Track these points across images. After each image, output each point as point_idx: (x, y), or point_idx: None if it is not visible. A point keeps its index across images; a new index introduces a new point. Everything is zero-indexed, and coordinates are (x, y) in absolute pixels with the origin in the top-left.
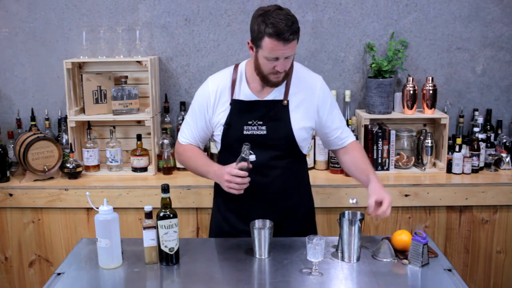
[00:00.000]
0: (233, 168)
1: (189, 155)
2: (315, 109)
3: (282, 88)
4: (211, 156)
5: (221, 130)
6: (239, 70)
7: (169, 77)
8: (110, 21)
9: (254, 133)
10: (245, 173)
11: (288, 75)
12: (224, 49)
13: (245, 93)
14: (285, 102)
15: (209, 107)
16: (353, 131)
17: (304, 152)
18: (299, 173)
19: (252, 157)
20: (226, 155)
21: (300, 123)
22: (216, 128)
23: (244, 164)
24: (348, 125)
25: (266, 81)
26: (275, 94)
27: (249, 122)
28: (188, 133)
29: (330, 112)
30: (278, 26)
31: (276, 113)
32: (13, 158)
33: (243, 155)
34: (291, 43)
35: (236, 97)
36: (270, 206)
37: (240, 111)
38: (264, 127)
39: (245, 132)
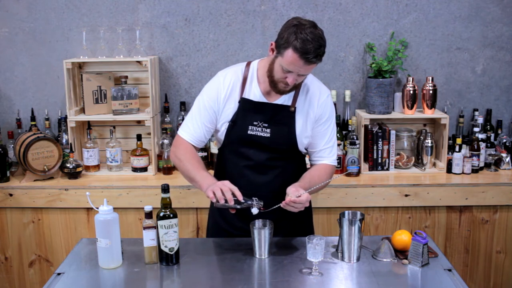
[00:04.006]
0: (238, 190)
1: (188, 156)
2: (314, 118)
3: (291, 93)
4: (210, 155)
5: (226, 126)
6: (251, 69)
7: (169, 77)
8: (110, 21)
9: (258, 134)
10: (230, 198)
11: (296, 87)
12: (224, 49)
13: (254, 93)
14: (293, 108)
15: (220, 101)
16: (353, 131)
17: (303, 152)
18: (297, 172)
19: (255, 210)
20: (226, 153)
21: (303, 131)
22: (221, 124)
23: (235, 204)
24: (348, 125)
25: (274, 86)
26: (284, 99)
27: (255, 123)
28: (193, 127)
29: (322, 126)
30: (306, 44)
31: (282, 118)
32: (13, 158)
33: (254, 202)
34: (312, 65)
35: (245, 95)
36: (268, 204)
37: (248, 110)
38: (268, 130)
39: (249, 132)
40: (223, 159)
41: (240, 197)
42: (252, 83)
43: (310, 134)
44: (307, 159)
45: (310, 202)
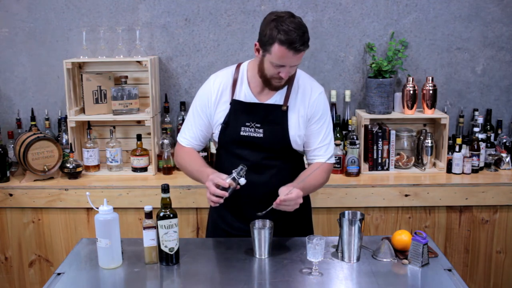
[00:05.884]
0: (221, 179)
1: (187, 159)
2: (306, 117)
3: (282, 93)
4: (210, 155)
5: (219, 129)
6: (240, 70)
7: (169, 77)
8: (110, 21)
9: (251, 135)
10: (222, 193)
11: (289, 80)
12: (224, 49)
13: (245, 94)
14: (285, 107)
15: (210, 105)
16: (353, 131)
17: (299, 151)
18: (294, 172)
19: (242, 181)
20: (223, 154)
21: (296, 130)
22: (215, 127)
23: (231, 182)
24: (348, 125)
25: (268, 84)
26: (276, 98)
27: (247, 124)
28: (189, 133)
29: (316, 124)
30: (290, 34)
31: (275, 118)
32: (13, 158)
33: (234, 175)
34: (301, 54)
35: (236, 97)
36: (265, 204)
37: (239, 111)
38: (261, 130)
39: (242, 133)
40: (221, 160)
41: (225, 184)
42: (243, 85)
43: (304, 132)
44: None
45: (309, 201)
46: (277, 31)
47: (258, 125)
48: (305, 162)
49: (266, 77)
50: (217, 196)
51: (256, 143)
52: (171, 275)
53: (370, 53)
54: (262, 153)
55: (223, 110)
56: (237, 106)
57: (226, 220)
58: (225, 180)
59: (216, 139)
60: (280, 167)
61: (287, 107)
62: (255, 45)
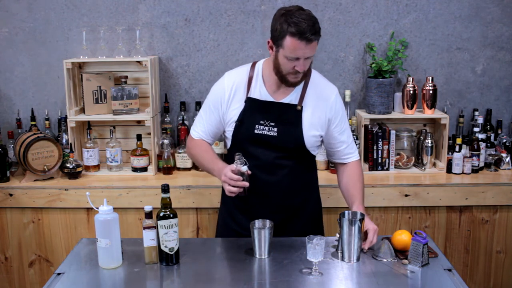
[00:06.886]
0: (230, 169)
1: (198, 150)
2: (326, 119)
3: (298, 92)
4: None
5: (232, 126)
6: (256, 68)
7: (169, 77)
8: (110, 21)
9: (265, 133)
10: (238, 178)
11: (306, 76)
12: (224, 49)
13: (261, 92)
14: (299, 107)
15: (223, 103)
16: (353, 131)
17: (314, 153)
18: (306, 173)
19: (244, 168)
20: (235, 153)
21: (311, 130)
22: (228, 124)
23: (244, 169)
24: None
25: (285, 81)
26: (291, 98)
27: (261, 122)
28: (200, 128)
29: (339, 125)
30: (300, 25)
31: (289, 117)
32: (13, 158)
33: (239, 165)
34: (313, 43)
35: (251, 95)
36: (276, 204)
37: (254, 109)
38: (275, 129)
39: (256, 131)
40: (231, 160)
41: (237, 172)
42: (258, 83)
43: (321, 134)
44: (317, 159)
45: (320, 202)
46: (287, 24)
47: (273, 124)
48: (318, 159)
49: (282, 73)
50: (234, 181)
51: (270, 142)
52: (171, 275)
53: (370, 53)
54: (275, 152)
55: (237, 108)
56: (252, 104)
57: (237, 220)
58: (236, 168)
59: (229, 137)
60: (292, 167)
61: (302, 107)
62: (268, 42)
